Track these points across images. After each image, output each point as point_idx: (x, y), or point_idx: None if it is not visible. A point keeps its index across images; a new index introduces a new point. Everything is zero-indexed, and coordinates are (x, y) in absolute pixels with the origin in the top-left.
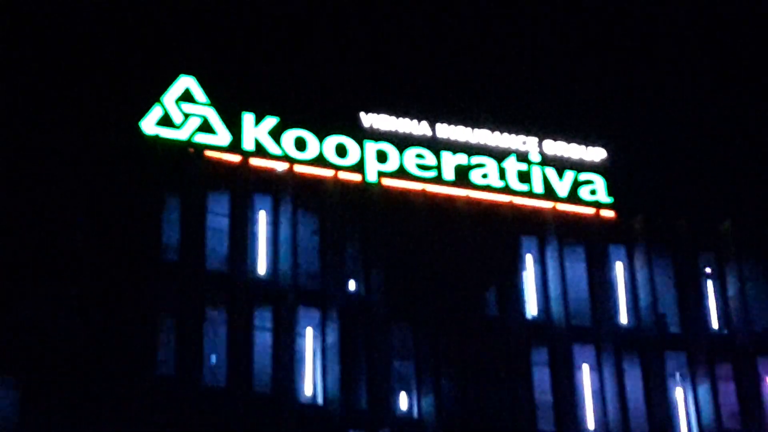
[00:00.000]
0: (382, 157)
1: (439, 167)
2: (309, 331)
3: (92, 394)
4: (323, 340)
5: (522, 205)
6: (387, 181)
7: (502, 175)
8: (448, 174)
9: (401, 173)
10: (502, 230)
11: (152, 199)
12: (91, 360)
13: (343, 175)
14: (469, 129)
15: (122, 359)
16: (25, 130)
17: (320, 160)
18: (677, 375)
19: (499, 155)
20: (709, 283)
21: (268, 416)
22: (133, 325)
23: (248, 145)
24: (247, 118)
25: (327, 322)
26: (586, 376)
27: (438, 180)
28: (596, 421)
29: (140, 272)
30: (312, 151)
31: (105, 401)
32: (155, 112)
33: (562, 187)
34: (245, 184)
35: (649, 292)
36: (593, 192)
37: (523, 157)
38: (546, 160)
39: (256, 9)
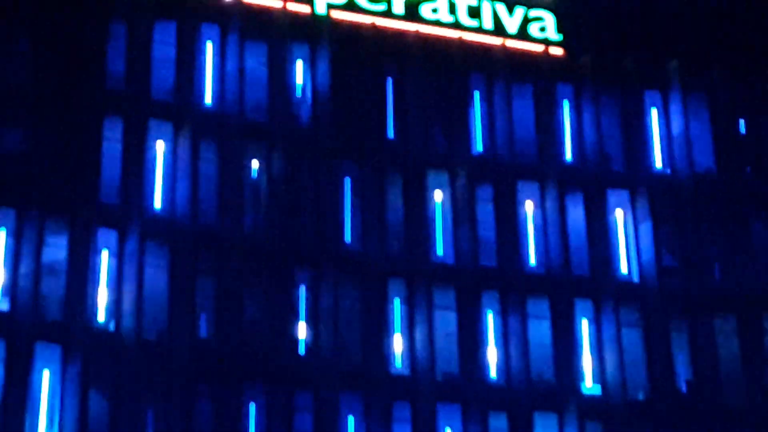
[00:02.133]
0: None
1: (389, 1)
2: (255, 164)
3: (36, 209)
4: (270, 173)
5: (471, 41)
6: (336, 14)
7: (452, 10)
8: (398, 8)
9: (351, 6)
10: (450, 66)
11: (97, 26)
12: (36, 181)
13: (292, 6)
14: None
15: (67, 184)
16: None
17: None
18: (619, 212)
19: None
20: (654, 122)
21: (212, 248)
22: (78, 153)
23: None
24: None
25: (273, 154)
26: (529, 212)
27: (388, 14)
28: (538, 257)
29: (84, 101)
30: None
31: (49, 217)
32: None
33: (511, 24)
34: (193, 13)
35: (594, 130)
36: (542, 29)
37: None
38: None
39: None
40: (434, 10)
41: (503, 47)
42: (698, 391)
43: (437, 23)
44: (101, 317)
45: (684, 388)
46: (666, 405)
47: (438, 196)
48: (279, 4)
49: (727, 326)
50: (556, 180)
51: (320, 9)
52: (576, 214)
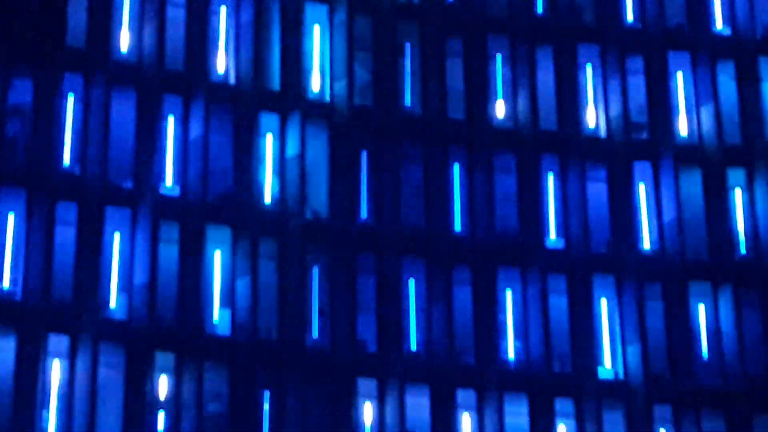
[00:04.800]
0: None
1: None
2: (223, 10)
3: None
4: (237, 19)
5: None
6: None
7: None
8: None
9: None
10: None
11: None
12: (1, 25)
13: None
14: None
15: (33, 27)
16: None
17: None
18: (588, 68)
19: None
20: None
21: (178, 93)
22: None
23: None
24: None
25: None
26: (499, 66)
27: None
28: (506, 111)
29: None
30: None
31: (14, 60)
32: None
33: None
34: None
35: None
36: None
37: None
38: None
39: None
40: None
41: None
42: (662, 247)
43: None
44: (66, 161)
45: (646, 244)
46: (628, 259)
47: (408, 48)
48: None
49: (693, 179)
50: (527, 33)
51: None
52: (546, 69)
